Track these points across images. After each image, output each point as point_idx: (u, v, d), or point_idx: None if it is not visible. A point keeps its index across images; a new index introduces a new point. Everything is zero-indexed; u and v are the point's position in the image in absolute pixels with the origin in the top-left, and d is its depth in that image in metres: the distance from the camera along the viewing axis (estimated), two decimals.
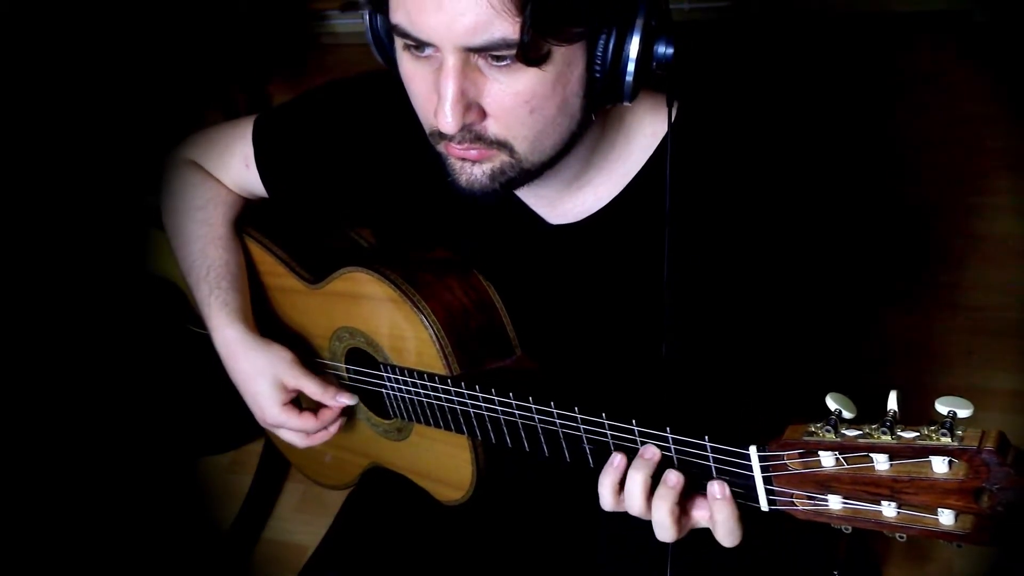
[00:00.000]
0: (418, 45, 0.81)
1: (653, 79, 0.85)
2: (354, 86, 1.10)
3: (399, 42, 0.84)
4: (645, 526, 0.88)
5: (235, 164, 1.18)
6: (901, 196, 2.12)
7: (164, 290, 1.42)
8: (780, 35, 2.50)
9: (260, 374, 1.12)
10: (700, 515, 0.87)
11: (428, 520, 1.18)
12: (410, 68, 0.85)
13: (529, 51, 0.77)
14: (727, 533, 0.84)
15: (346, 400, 1.13)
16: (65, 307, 1.65)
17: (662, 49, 0.82)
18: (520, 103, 0.82)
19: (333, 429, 1.16)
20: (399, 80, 0.88)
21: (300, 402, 1.16)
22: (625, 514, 1.12)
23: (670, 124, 0.88)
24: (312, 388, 1.12)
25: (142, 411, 1.63)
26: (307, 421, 1.13)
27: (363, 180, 1.11)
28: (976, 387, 1.80)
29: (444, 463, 1.11)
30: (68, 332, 1.65)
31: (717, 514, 0.83)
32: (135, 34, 2.13)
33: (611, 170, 0.97)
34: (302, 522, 1.90)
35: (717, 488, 0.83)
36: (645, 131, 0.96)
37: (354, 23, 2.90)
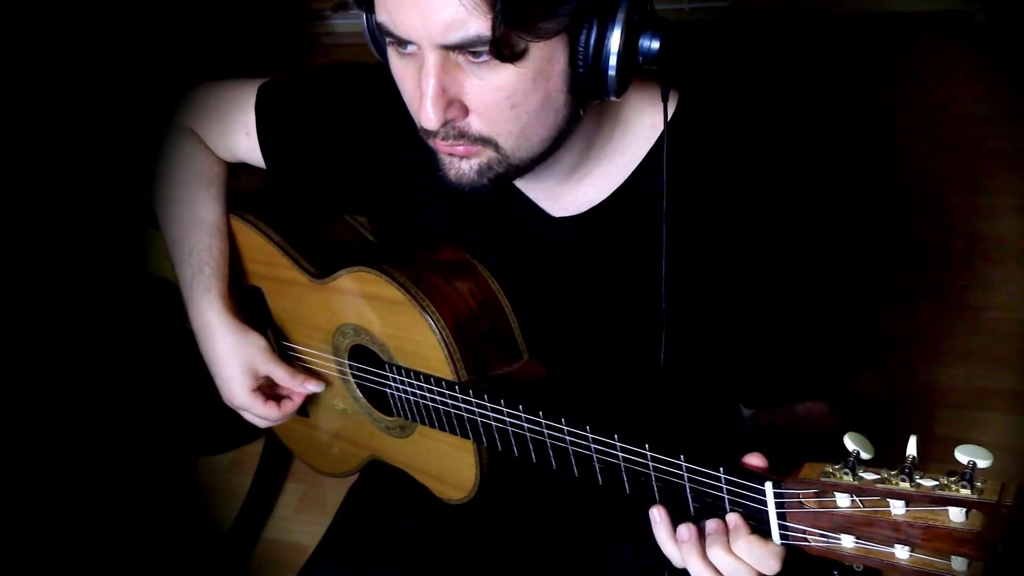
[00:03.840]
0: (401, 43, 0.82)
1: (646, 72, 0.85)
2: (363, 70, 1.10)
3: (387, 40, 0.85)
4: (643, 526, 0.88)
5: (235, 132, 1.17)
6: (901, 196, 2.12)
7: (162, 290, 1.42)
8: (779, 35, 2.50)
9: (233, 359, 1.15)
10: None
11: (429, 516, 1.18)
12: (398, 65, 0.86)
13: (503, 47, 0.78)
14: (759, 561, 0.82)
15: (312, 387, 1.18)
16: (64, 307, 1.65)
17: (647, 43, 0.82)
18: (501, 99, 0.82)
19: (291, 413, 1.21)
20: None
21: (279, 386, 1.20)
22: (622, 515, 1.12)
23: (666, 118, 0.89)
24: (281, 375, 1.17)
25: (142, 411, 1.63)
26: (271, 411, 1.18)
27: (365, 165, 1.11)
28: (976, 387, 1.80)
29: (447, 463, 1.11)
30: (67, 332, 1.65)
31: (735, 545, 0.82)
32: (135, 34, 2.13)
33: (611, 162, 0.97)
34: (302, 522, 1.90)
35: (732, 518, 0.82)
36: (644, 123, 0.96)
37: (353, 23, 2.90)
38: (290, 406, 1.19)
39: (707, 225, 0.94)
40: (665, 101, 0.88)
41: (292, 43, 2.85)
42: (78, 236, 1.67)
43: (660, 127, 0.95)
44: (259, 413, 1.18)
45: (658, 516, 0.86)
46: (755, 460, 0.81)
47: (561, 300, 1.04)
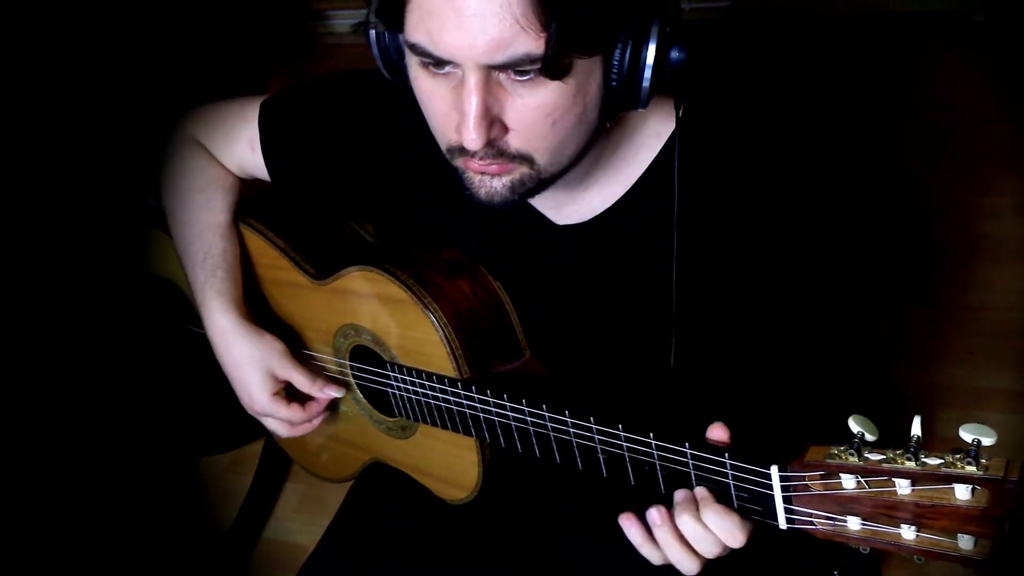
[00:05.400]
0: (437, 63, 0.81)
1: (672, 84, 0.85)
2: (360, 76, 1.10)
3: (414, 59, 0.84)
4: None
5: (240, 147, 1.18)
6: (901, 196, 2.12)
7: (164, 290, 1.42)
8: (780, 35, 2.50)
9: (251, 363, 1.14)
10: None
11: (429, 516, 1.18)
12: (427, 85, 0.85)
13: (553, 65, 0.78)
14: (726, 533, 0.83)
15: (333, 392, 1.15)
16: (65, 307, 1.65)
17: (675, 54, 0.82)
18: (542, 116, 0.82)
19: (316, 422, 1.18)
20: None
21: (297, 393, 1.17)
22: (623, 510, 1.12)
23: (679, 126, 0.89)
24: (301, 380, 1.15)
25: (142, 411, 1.63)
26: (294, 412, 1.15)
27: (370, 174, 1.11)
28: (976, 387, 1.80)
29: (449, 463, 1.11)
30: (68, 332, 1.65)
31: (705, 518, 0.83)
32: (135, 33, 2.13)
33: (617, 171, 0.97)
34: (302, 522, 1.90)
35: (700, 491, 0.83)
36: (650, 131, 0.96)
37: (355, 23, 2.90)
38: (315, 405, 1.17)
39: (710, 230, 0.94)
40: (678, 110, 0.88)
41: (292, 43, 2.85)
42: (79, 236, 1.67)
43: (664, 136, 0.96)
44: (283, 416, 1.15)
45: (627, 523, 0.86)
46: (717, 433, 0.83)
47: (565, 306, 1.05)
